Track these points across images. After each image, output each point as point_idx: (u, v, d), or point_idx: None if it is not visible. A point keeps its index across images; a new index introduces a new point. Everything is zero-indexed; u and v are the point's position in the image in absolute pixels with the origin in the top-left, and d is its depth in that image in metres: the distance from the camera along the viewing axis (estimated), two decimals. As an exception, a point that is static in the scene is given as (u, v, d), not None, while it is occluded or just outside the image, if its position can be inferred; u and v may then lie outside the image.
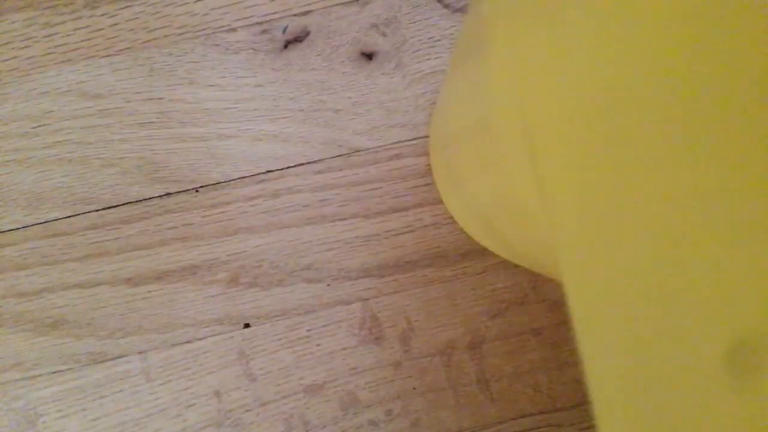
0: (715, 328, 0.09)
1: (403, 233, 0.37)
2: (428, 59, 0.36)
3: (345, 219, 0.36)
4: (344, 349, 0.37)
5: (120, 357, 0.36)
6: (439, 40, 0.36)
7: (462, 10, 0.36)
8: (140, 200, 0.36)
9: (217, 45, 0.36)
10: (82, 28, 0.35)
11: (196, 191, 0.36)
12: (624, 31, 0.11)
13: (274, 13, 0.36)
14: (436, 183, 0.36)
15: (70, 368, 0.36)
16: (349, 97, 0.36)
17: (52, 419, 0.36)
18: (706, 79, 0.09)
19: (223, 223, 0.36)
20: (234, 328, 0.36)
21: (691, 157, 0.09)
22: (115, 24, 0.35)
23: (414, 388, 0.37)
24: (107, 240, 0.36)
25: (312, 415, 0.37)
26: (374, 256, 0.37)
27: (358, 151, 0.36)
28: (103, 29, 0.35)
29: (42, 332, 0.36)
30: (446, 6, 0.36)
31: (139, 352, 0.36)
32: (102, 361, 0.36)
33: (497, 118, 0.17)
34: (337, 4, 0.36)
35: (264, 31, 0.36)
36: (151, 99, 0.36)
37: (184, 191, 0.36)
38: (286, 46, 0.36)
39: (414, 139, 0.36)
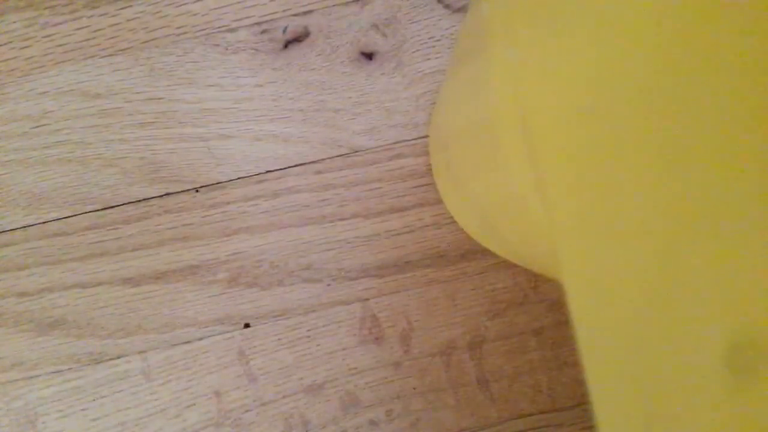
0: (715, 328, 0.09)
1: (403, 233, 0.37)
2: (428, 59, 0.36)
3: (345, 219, 0.36)
4: (344, 349, 0.37)
5: (120, 357, 0.36)
6: (439, 40, 0.36)
7: (462, 10, 0.36)
8: (140, 200, 0.36)
9: (217, 45, 0.36)
10: (82, 28, 0.35)
11: (196, 191, 0.36)
12: (623, 31, 0.11)
13: (274, 13, 0.36)
14: (436, 183, 0.36)
15: (70, 368, 0.36)
16: (349, 97, 0.36)
17: (52, 419, 0.36)
18: (704, 77, 0.09)
19: (223, 223, 0.36)
20: (234, 328, 0.36)
21: (691, 156, 0.09)
22: (115, 24, 0.35)
23: (414, 388, 0.37)
24: (107, 240, 0.36)
25: (312, 415, 0.37)
26: (374, 256, 0.37)
27: (358, 151, 0.36)
28: (103, 29, 0.35)
29: (42, 332, 0.36)
30: (446, 6, 0.36)
31: (139, 352, 0.36)
32: (102, 361, 0.36)
33: (497, 118, 0.17)
34: (337, 4, 0.36)
35: (264, 31, 0.36)
36: (151, 99, 0.36)
37: (184, 191, 0.36)
38: (286, 46, 0.36)
39: (414, 139, 0.36)
